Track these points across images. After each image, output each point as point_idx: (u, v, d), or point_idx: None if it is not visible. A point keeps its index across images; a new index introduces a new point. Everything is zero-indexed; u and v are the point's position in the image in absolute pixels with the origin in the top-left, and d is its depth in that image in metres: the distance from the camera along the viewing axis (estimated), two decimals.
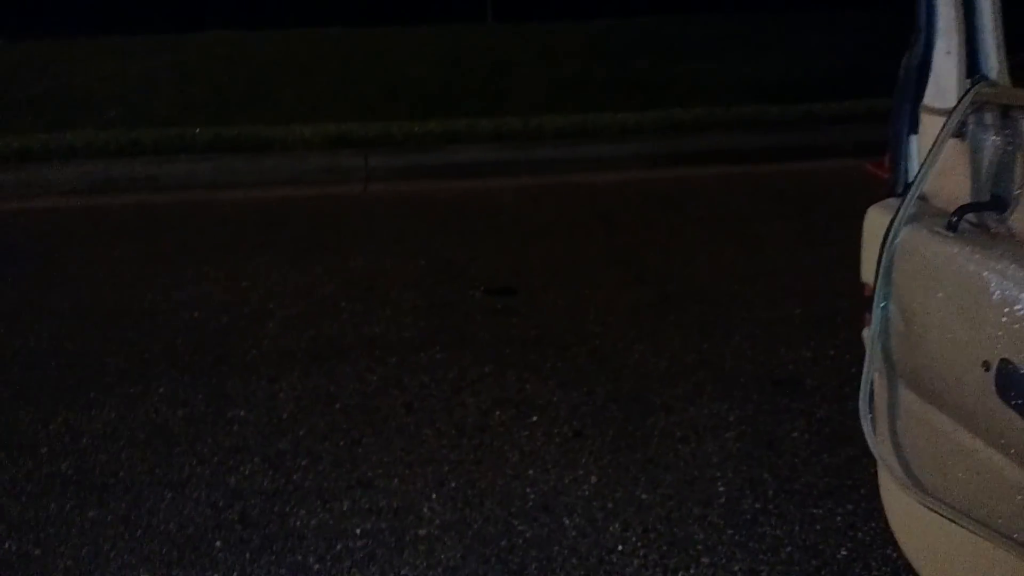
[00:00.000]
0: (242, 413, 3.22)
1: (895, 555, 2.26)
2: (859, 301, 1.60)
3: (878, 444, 1.51)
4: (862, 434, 1.50)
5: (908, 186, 1.42)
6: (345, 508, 2.66)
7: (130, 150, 6.87)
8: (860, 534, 2.50)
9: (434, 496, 2.71)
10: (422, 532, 2.55)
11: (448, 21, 14.10)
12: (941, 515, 1.33)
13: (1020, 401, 1.08)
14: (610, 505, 2.66)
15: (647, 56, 10.46)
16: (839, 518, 2.57)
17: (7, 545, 2.53)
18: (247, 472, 2.86)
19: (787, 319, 3.90)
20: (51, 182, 6.41)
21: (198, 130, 7.16)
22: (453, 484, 2.77)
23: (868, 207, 1.58)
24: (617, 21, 13.70)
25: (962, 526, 1.28)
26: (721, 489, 2.72)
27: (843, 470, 2.80)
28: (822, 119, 7.46)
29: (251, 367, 3.57)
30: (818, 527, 2.54)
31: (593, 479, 2.79)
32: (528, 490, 2.74)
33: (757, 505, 2.64)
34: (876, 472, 1.72)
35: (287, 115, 7.74)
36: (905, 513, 1.58)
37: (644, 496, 2.70)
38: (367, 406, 3.25)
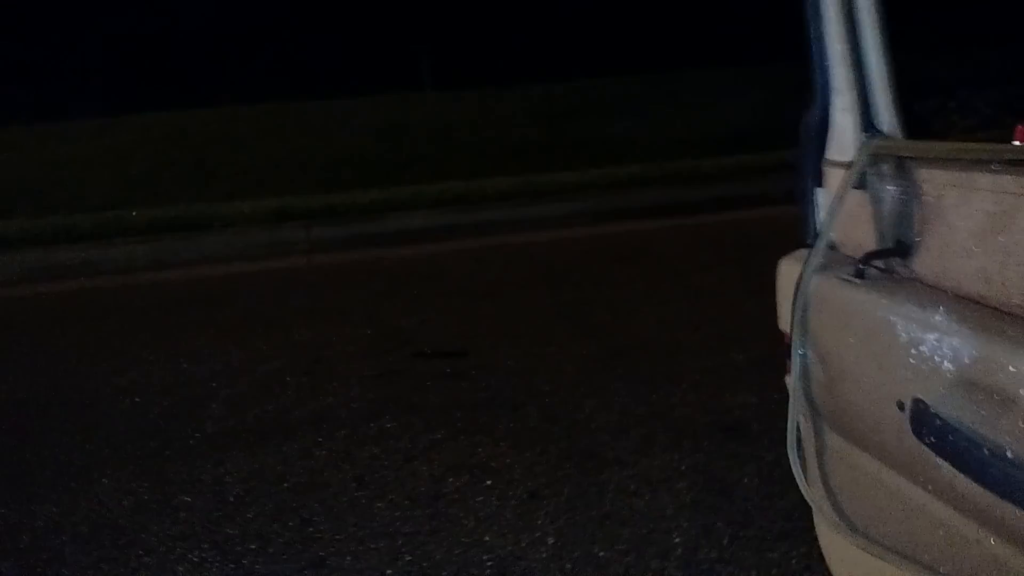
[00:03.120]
0: (188, 499, 3.15)
1: None
2: (782, 349, 1.66)
3: (809, 488, 1.55)
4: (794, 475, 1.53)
5: (816, 236, 1.48)
6: None
7: (67, 236, 6.80)
8: None
9: (389, 572, 2.67)
10: None
11: (386, 91, 14.31)
12: (872, 554, 1.36)
13: (934, 439, 1.12)
14: (569, 566, 2.64)
15: (583, 117, 10.75)
16: (794, 561, 2.59)
17: None
18: (196, 560, 2.78)
19: (731, 366, 3.97)
20: None
21: (135, 212, 7.12)
22: (408, 557, 2.73)
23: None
24: (552, 85, 14.06)
25: (893, 564, 1.32)
26: (677, 540, 2.73)
27: (795, 513, 2.82)
28: (753, 170, 7.71)
29: (195, 451, 3.50)
30: (774, 571, 2.55)
31: (551, 540, 2.77)
32: (485, 557, 2.71)
33: (713, 554, 2.65)
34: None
35: (227, 192, 7.75)
36: (842, 554, 1.61)
37: (602, 553, 2.69)
38: (316, 483, 3.20)
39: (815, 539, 2.65)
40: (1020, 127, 2.02)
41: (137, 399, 4.01)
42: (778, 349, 4.06)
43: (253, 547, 2.83)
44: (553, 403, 3.72)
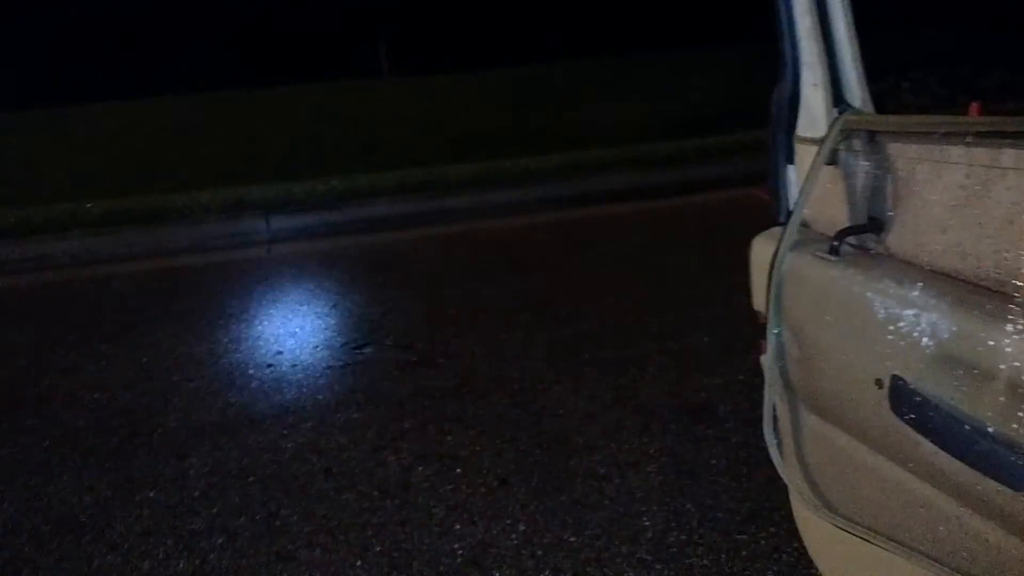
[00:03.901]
0: (152, 494, 3.08)
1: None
2: (756, 328, 1.65)
3: (786, 468, 1.54)
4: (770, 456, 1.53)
5: (789, 214, 1.47)
6: None
7: (19, 229, 6.60)
8: (785, 556, 2.53)
9: (359, 563, 2.63)
10: None
11: (344, 78, 14.13)
12: (851, 533, 1.36)
13: (913, 416, 1.11)
14: (539, 552, 2.63)
15: (544, 102, 10.70)
16: (763, 541, 2.61)
17: None
18: (161, 556, 2.72)
19: (697, 348, 3.98)
20: None
21: (90, 204, 6.94)
22: (378, 548, 2.70)
23: (763, 232, 1.63)
24: (509, 70, 13.99)
25: (872, 542, 1.31)
26: (647, 524, 2.73)
27: (762, 493, 2.84)
28: (713, 152, 7.75)
29: (158, 445, 3.42)
30: (744, 553, 2.56)
31: (521, 527, 2.76)
32: (456, 545, 2.69)
33: (683, 537, 2.66)
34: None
35: (184, 182, 7.59)
36: (819, 534, 1.61)
37: (573, 539, 2.68)
38: (283, 475, 3.15)
39: (783, 519, 2.68)
40: (974, 105, 2.04)
41: (96, 394, 3.91)
42: (742, 331, 4.08)
43: (219, 541, 2.78)
44: (521, 389, 3.70)
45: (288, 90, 13.25)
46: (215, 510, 2.96)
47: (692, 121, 8.64)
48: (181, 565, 2.67)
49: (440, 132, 9.39)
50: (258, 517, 2.90)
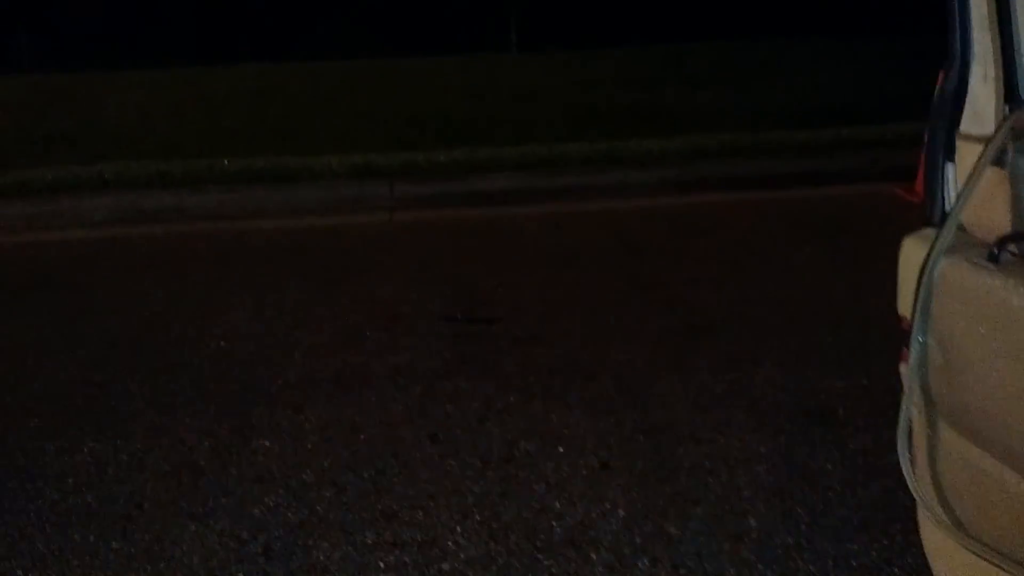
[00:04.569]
0: (267, 443, 3.21)
1: None
2: (894, 331, 1.56)
3: (917, 483, 1.46)
4: (897, 466, 1.44)
5: (945, 216, 1.37)
6: (369, 541, 2.63)
7: (160, 181, 6.97)
8: (896, 570, 2.42)
9: (458, 529, 2.67)
10: (446, 567, 2.51)
11: (474, 51, 14.22)
12: (982, 557, 1.27)
13: None
14: (638, 540, 2.60)
15: (672, 83, 10.48)
16: (874, 553, 2.49)
17: None
18: (271, 503, 2.84)
19: (818, 347, 3.83)
20: (82, 213, 6.50)
21: (226, 161, 7.25)
22: (478, 517, 2.73)
23: (899, 233, 1.54)
24: (640, 49, 13.75)
25: (1006, 569, 1.23)
26: (753, 523, 2.65)
27: (878, 504, 2.72)
28: (849, 144, 7.41)
29: (276, 397, 3.56)
30: (853, 563, 2.46)
31: (621, 512, 2.73)
32: (554, 523, 2.69)
33: (790, 540, 2.57)
34: (912, 506, 1.66)
35: (314, 145, 7.82)
36: (945, 553, 1.52)
37: (673, 530, 2.63)
38: (392, 436, 3.23)
39: (898, 532, 2.56)
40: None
41: (222, 343, 4.10)
42: (869, 333, 3.92)
43: (328, 495, 2.87)
44: (628, 374, 3.65)
45: (418, 61, 13.46)
46: (326, 463, 3.06)
47: (829, 111, 8.28)
48: (290, 515, 2.77)
49: (565, 109, 9.35)
50: (365, 475, 2.98)
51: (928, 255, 1.32)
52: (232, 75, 12.63)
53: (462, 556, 2.54)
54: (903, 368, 1.46)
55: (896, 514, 2.62)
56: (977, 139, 1.35)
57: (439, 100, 10.11)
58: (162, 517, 2.78)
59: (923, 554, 1.72)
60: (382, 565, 2.52)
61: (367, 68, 13.03)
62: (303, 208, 6.58)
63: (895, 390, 1.49)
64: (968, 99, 1.39)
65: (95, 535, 2.70)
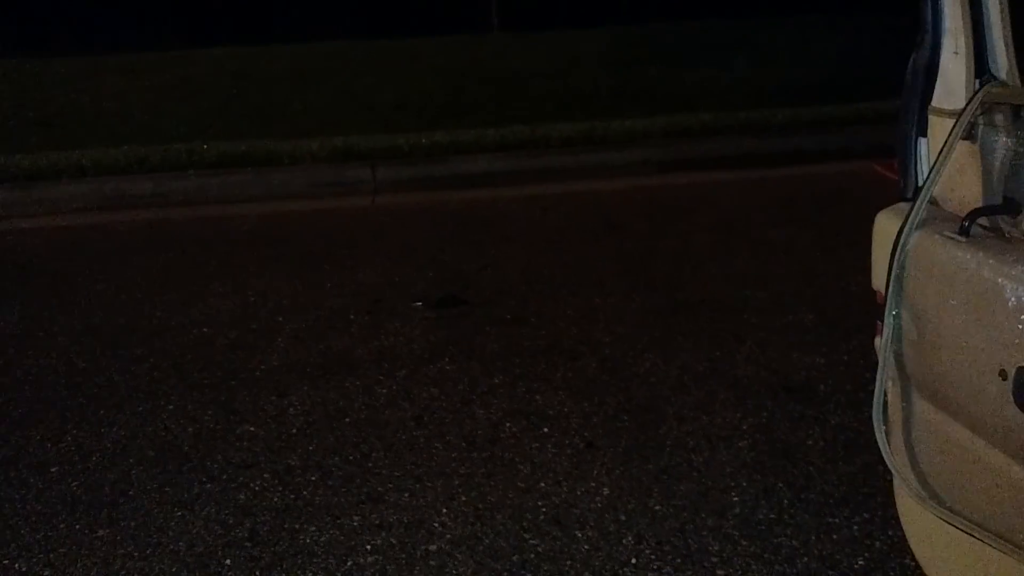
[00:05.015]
0: (251, 429, 3.21)
1: (913, 564, 2.22)
2: (871, 308, 1.57)
3: (893, 456, 1.48)
4: (877, 442, 1.47)
5: (918, 190, 1.39)
6: (355, 524, 2.64)
7: (138, 167, 6.89)
8: (877, 543, 2.46)
9: (444, 511, 2.69)
10: (432, 547, 2.53)
11: (454, 32, 14.10)
12: (958, 528, 1.30)
13: None
14: (623, 517, 2.63)
15: (653, 63, 10.44)
16: (856, 527, 2.53)
17: (18, 566, 2.52)
18: (257, 488, 2.84)
19: (799, 325, 3.87)
20: (60, 200, 6.43)
21: (206, 146, 7.18)
22: (463, 498, 2.75)
23: (878, 210, 1.55)
24: (622, 28, 13.68)
25: (979, 539, 1.25)
26: (735, 499, 2.69)
27: (858, 478, 2.76)
28: (830, 122, 7.41)
29: (260, 382, 3.56)
30: (835, 536, 2.50)
31: (605, 491, 2.76)
32: (540, 503, 2.71)
33: (772, 515, 2.61)
34: (891, 481, 1.69)
35: (295, 129, 7.75)
36: (921, 525, 1.54)
37: (657, 507, 2.66)
38: (376, 420, 3.24)
39: (879, 506, 2.60)
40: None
41: (205, 329, 4.09)
42: (849, 310, 3.95)
43: (313, 478, 2.88)
44: (612, 354, 3.67)
45: (398, 43, 13.33)
46: (311, 448, 3.06)
47: (810, 89, 8.28)
48: (275, 499, 2.78)
49: (546, 89, 9.30)
50: (351, 458, 2.99)
51: (901, 229, 1.33)
52: (210, 58, 12.50)
53: (448, 537, 2.57)
54: (878, 342, 1.48)
55: (876, 489, 2.66)
56: (949, 114, 1.36)
57: (421, 82, 10.04)
58: (148, 504, 2.79)
59: (902, 528, 1.75)
60: (368, 547, 2.54)
61: (347, 50, 12.91)
62: (284, 192, 6.54)
63: (875, 366, 1.51)
64: (939, 74, 1.41)
65: (81, 523, 2.70)
